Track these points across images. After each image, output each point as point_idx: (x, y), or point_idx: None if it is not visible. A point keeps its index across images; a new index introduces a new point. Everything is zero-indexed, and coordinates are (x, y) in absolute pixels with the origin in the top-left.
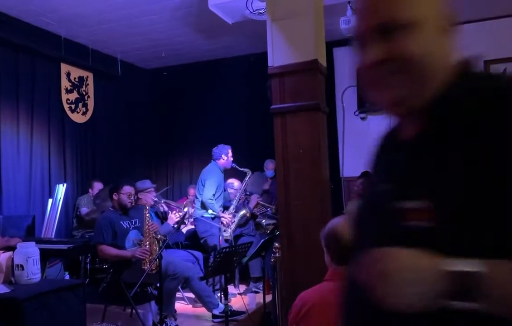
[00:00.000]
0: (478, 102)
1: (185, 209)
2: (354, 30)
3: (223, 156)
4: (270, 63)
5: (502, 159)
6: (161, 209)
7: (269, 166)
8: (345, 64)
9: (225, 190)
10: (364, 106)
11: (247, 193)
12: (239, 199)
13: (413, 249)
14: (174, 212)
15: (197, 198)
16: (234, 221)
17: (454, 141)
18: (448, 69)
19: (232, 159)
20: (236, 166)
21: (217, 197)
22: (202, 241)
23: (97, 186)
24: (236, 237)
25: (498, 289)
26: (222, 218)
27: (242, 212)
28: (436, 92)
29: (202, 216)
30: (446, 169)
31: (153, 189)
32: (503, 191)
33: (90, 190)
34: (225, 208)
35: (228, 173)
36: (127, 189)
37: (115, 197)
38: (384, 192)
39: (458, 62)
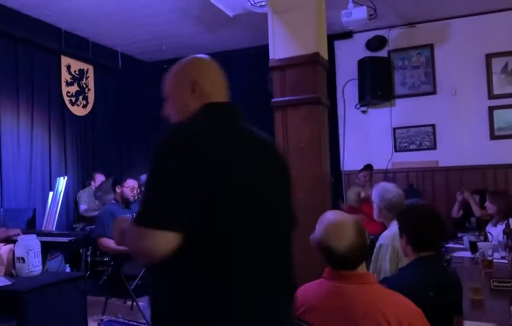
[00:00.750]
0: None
1: None
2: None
3: None
4: (271, 56)
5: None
6: None
7: None
8: (346, 57)
9: None
10: (365, 100)
11: None
12: None
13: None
14: None
15: None
16: None
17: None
18: (189, 113)
19: None
20: None
21: None
22: None
23: (99, 178)
24: None
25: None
26: None
27: None
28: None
29: None
30: None
31: None
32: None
33: (92, 183)
34: None
35: None
36: (130, 182)
37: (118, 190)
38: None
39: (201, 106)
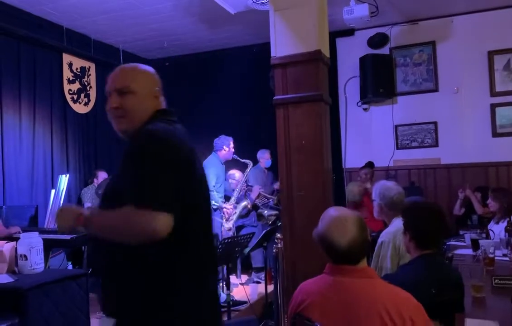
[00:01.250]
0: (135, 136)
1: None
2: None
3: (224, 147)
4: (273, 54)
5: (121, 167)
6: None
7: (265, 156)
8: (348, 54)
9: (226, 181)
10: (367, 97)
11: (249, 184)
12: (240, 190)
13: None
14: None
15: None
16: (235, 212)
17: (124, 153)
18: (148, 114)
19: (233, 150)
20: (237, 158)
21: (217, 188)
22: None
23: (102, 175)
24: (238, 227)
25: (93, 223)
26: (224, 210)
27: (243, 203)
28: (136, 128)
29: None
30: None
31: None
32: (122, 183)
33: (95, 180)
34: (227, 198)
35: (230, 164)
36: None
37: None
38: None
39: (155, 112)
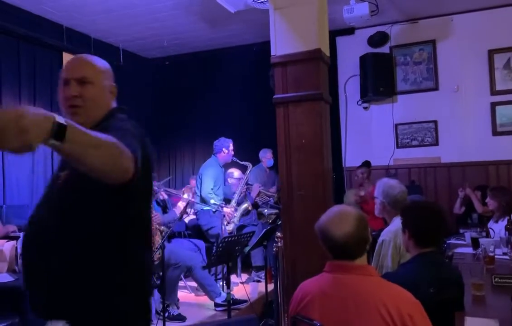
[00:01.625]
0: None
1: (185, 196)
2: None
3: (223, 149)
4: (273, 52)
5: None
6: (161, 197)
7: (267, 155)
8: (348, 53)
9: (225, 182)
10: (367, 96)
11: (249, 183)
12: (241, 193)
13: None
14: (181, 201)
15: (196, 193)
16: (236, 215)
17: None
18: (104, 111)
19: (233, 153)
20: (237, 160)
21: (216, 191)
22: (205, 233)
23: None
24: (239, 227)
25: (77, 134)
26: (225, 212)
27: (244, 205)
28: (96, 120)
29: (202, 209)
30: None
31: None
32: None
33: None
34: (227, 201)
35: (229, 166)
36: None
37: None
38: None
39: (110, 109)
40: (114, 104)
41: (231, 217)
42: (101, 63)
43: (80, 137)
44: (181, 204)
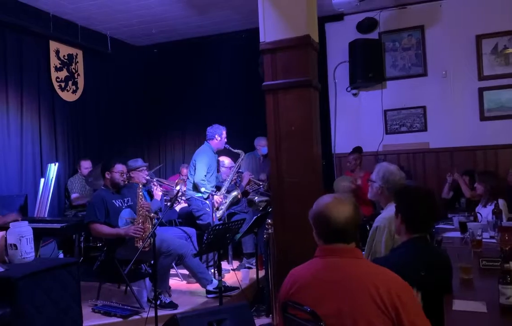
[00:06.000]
0: None
1: (177, 187)
2: None
3: (216, 136)
4: (261, 39)
5: None
6: (153, 188)
7: (261, 143)
8: (337, 40)
9: (219, 169)
10: (356, 82)
11: (239, 171)
12: (231, 181)
13: None
14: (157, 187)
15: (189, 179)
16: (226, 202)
17: None
18: None
19: (226, 140)
20: (230, 147)
21: (209, 178)
22: (197, 220)
23: (84, 165)
24: (229, 215)
25: None
26: (214, 200)
27: (234, 193)
28: None
29: (194, 197)
30: None
31: (145, 167)
32: None
33: (78, 170)
34: (218, 188)
35: (221, 154)
36: (119, 167)
37: (107, 175)
38: None
39: None
40: None
41: (219, 204)
42: None
43: None
44: (158, 191)
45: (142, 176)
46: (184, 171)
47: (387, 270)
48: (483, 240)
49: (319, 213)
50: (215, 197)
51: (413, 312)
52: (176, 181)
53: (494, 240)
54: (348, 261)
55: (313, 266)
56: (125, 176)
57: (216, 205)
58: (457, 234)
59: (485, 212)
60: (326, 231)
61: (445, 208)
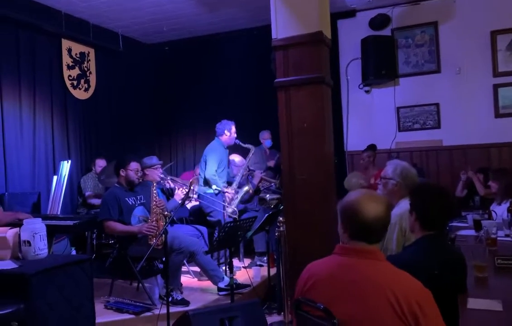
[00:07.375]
0: None
1: (191, 187)
2: None
3: (226, 131)
4: (273, 35)
5: None
6: (167, 185)
7: (265, 136)
8: (349, 36)
9: (230, 165)
10: (368, 79)
11: (251, 169)
12: (242, 175)
13: None
14: (181, 189)
15: (200, 175)
16: (237, 196)
17: None
18: None
19: (235, 135)
20: (240, 142)
21: (220, 173)
22: (208, 217)
23: (99, 163)
24: (241, 212)
25: None
26: (225, 194)
27: (245, 188)
28: None
29: (205, 193)
30: None
31: (159, 165)
32: None
33: (93, 168)
34: (229, 183)
35: (232, 149)
36: (134, 165)
37: (122, 173)
38: None
39: None
40: None
41: (231, 199)
42: None
43: None
44: (180, 192)
45: (156, 174)
46: (198, 171)
47: (408, 275)
48: (498, 238)
49: (349, 206)
50: (228, 191)
51: (434, 323)
52: (191, 180)
53: (509, 239)
54: (366, 262)
55: (331, 263)
56: (140, 174)
57: (228, 200)
58: (471, 232)
59: (500, 210)
60: (351, 225)
61: (459, 206)
